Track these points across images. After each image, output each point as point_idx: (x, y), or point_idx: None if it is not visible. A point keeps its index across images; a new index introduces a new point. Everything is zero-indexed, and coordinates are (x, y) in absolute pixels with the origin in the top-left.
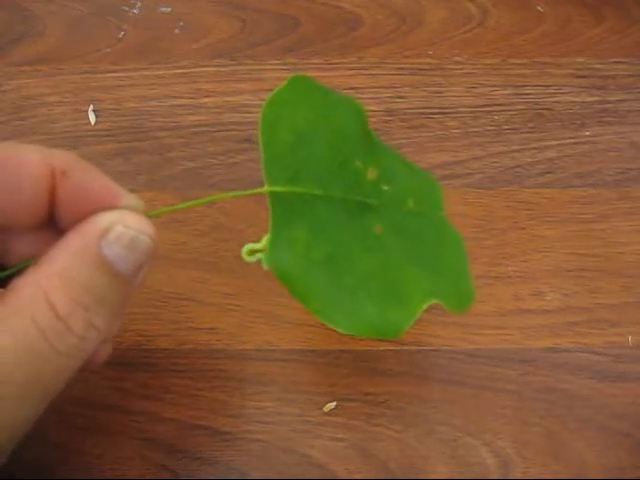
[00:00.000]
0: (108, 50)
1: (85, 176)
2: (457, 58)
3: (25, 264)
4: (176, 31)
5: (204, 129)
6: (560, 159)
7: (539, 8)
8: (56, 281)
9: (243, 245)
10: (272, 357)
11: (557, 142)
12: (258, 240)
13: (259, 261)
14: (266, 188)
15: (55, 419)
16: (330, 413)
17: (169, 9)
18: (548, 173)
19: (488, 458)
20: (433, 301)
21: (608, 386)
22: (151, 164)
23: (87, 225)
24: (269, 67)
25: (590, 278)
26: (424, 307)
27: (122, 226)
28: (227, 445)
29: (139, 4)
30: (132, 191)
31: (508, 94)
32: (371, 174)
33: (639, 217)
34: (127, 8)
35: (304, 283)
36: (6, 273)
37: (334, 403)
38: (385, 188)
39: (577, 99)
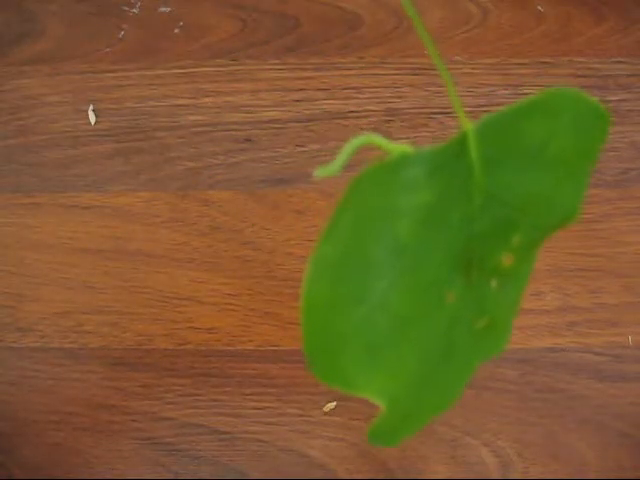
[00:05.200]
0: (108, 50)
1: None
2: (457, 58)
3: None
4: (176, 31)
5: (204, 129)
6: None
7: (539, 8)
8: None
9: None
10: (272, 357)
11: None
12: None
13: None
14: None
15: (54, 419)
16: (330, 413)
17: (169, 9)
18: None
19: (488, 458)
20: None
21: (608, 386)
22: (151, 164)
23: None
24: (269, 67)
25: (590, 278)
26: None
27: None
28: (227, 445)
29: (139, 4)
30: (132, 191)
31: (508, 94)
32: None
33: (639, 217)
34: (127, 8)
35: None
36: None
37: (334, 403)
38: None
39: None
